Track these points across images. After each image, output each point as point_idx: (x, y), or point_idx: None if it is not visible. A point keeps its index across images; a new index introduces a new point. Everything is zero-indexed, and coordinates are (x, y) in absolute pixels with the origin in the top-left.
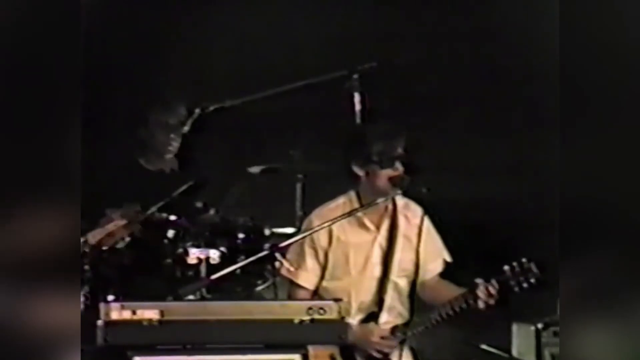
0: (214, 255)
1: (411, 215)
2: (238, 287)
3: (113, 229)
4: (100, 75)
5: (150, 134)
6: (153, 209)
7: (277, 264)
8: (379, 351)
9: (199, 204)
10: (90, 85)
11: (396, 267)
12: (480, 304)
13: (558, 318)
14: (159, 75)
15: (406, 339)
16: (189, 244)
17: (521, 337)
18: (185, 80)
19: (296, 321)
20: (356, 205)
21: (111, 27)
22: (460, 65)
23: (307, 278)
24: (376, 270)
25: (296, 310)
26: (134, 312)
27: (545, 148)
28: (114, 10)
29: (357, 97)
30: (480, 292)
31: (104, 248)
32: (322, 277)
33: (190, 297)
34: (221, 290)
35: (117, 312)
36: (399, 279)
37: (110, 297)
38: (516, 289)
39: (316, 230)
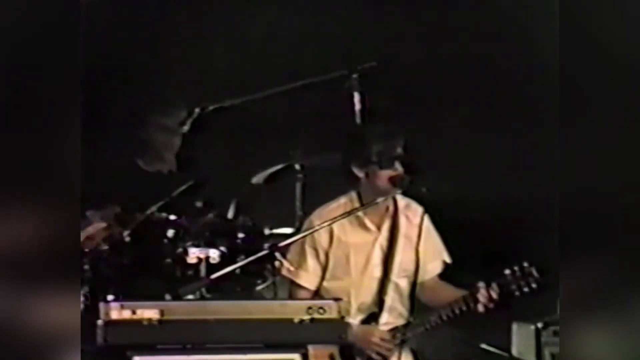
0: (214, 255)
1: (412, 215)
2: (238, 286)
3: (93, 232)
4: (100, 75)
5: (149, 134)
6: (153, 208)
7: (277, 263)
8: (378, 353)
9: (199, 204)
10: (90, 85)
11: (397, 267)
12: (480, 308)
13: (558, 318)
14: (159, 76)
15: (406, 341)
16: (188, 243)
17: (521, 337)
18: (185, 80)
19: (296, 321)
20: (357, 205)
21: (111, 27)
22: (460, 65)
23: (308, 278)
24: (377, 271)
25: (296, 310)
26: (133, 312)
27: (545, 148)
28: (114, 10)
29: (357, 97)
30: (481, 296)
31: (86, 250)
32: (322, 278)
33: (190, 296)
34: (221, 290)
35: (117, 311)
36: (400, 280)
37: (110, 297)
38: (517, 293)
39: (316, 230)
